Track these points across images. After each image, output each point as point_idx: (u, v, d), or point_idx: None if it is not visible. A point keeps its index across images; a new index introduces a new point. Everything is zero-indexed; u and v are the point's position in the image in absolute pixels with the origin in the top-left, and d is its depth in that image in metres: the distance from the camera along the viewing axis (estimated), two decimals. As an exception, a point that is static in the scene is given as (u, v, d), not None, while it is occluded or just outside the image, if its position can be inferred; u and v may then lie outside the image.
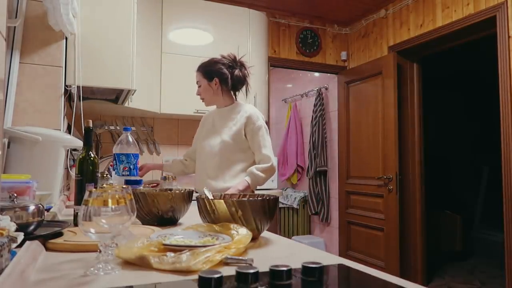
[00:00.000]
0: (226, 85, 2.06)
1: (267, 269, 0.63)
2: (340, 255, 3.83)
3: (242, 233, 0.92)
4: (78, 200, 1.15)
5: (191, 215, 1.43)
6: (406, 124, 3.68)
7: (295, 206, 4.75)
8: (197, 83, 2.12)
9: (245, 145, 2.02)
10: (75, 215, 1.19)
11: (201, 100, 2.15)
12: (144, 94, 2.84)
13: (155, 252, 0.80)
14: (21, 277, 0.63)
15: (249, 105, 2.13)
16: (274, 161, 2.02)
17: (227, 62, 2.05)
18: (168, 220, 1.30)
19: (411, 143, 3.67)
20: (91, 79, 2.22)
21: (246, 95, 2.09)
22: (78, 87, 2.12)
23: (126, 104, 2.70)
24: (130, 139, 1.58)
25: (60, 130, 1.92)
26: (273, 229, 1.74)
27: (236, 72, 2.04)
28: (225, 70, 2.04)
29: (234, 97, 2.14)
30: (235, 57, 2.07)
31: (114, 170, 1.59)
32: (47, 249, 0.91)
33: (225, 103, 2.11)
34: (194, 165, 2.23)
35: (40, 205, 0.96)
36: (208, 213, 1.06)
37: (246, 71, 2.08)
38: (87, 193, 0.73)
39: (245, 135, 2.01)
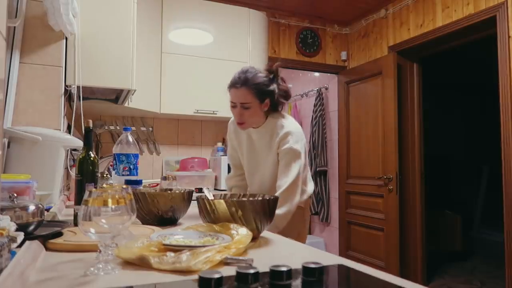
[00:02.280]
0: (274, 105, 1.72)
1: (267, 269, 0.63)
2: (340, 255, 3.83)
3: (242, 233, 0.92)
4: (78, 200, 1.15)
5: (191, 215, 1.43)
6: (406, 124, 3.68)
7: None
8: (243, 104, 1.65)
9: None
10: (75, 215, 1.19)
11: (238, 125, 1.72)
12: (144, 94, 2.84)
13: (155, 252, 0.80)
14: (21, 277, 0.63)
15: (289, 119, 1.77)
16: (297, 197, 1.62)
17: (272, 77, 1.70)
18: (168, 220, 1.30)
19: (411, 143, 3.67)
20: (91, 79, 2.22)
21: (282, 109, 1.78)
22: (78, 87, 2.12)
23: (126, 104, 2.70)
24: (130, 139, 1.58)
25: (60, 130, 1.92)
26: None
27: (281, 87, 1.72)
28: (276, 89, 1.69)
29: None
30: (277, 70, 1.72)
31: (114, 170, 1.59)
32: (47, 249, 0.91)
33: (263, 122, 1.75)
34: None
35: (40, 205, 0.96)
36: (208, 213, 1.06)
37: (286, 86, 1.75)
38: (87, 193, 0.73)
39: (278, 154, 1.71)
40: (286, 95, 1.74)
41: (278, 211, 1.49)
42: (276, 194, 1.59)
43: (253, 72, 1.67)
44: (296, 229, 1.74)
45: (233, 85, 1.67)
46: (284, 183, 1.61)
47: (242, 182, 1.95)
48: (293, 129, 1.70)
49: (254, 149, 1.79)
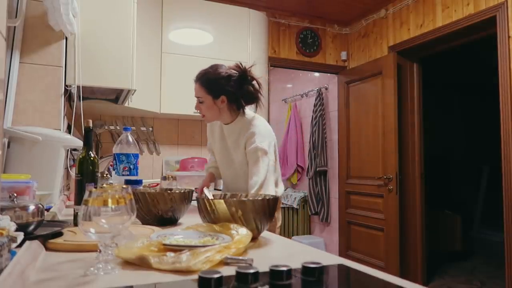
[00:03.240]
0: (234, 103, 1.74)
1: (267, 269, 0.63)
2: (340, 255, 3.83)
3: (242, 233, 0.92)
4: (78, 200, 1.15)
5: (191, 215, 1.43)
6: (406, 124, 3.68)
7: (295, 206, 4.75)
8: (197, 98, 1.76)
9: None
10: (75, 215, 1.19)
11: (201, 116, 1.82)
12: (144, 94, 2.84)
13: (155, 252, 0.80)
14: (21, 277, 0.63)
15: (258, 120, 1.79)
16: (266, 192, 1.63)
17: (236, 76, 1.71)
18: (168, 220, 1.30)
19: (411, 143, 3.67)
20: (91, 79, 2.22)
21: (256, 110, 1.81)
22: (78, 87, 2.12)
23: (126, 104, 2.70)
24: (130, 139, 1.58)
25: (60, 130, 1.92)
26: (273, 229, 1.73)
27: (248, 88, 1.73)
28: (235, 87, 1.71)
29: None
30: (245, 69, 1.72)
31: (114, 170, 1.59)
32: (47, 249, 0.91)
33: (232, 119, 1.79)
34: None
35: (40, 205, 0.96)
36: (208, 213, 1.06)
37: (258, 85, 1.75)
38: (87, 193, 0.73)
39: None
40: (252, 97, 1.75)
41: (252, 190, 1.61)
42: (251, 192, 1.61)
43: (215, 68, 1.73)
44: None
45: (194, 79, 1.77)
46: (255, 182, 1.64)
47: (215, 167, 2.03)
48: (260, 129, 1.73)
49: (226, 145, 1.84)
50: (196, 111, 1.85)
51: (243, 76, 1.72)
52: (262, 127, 1.76)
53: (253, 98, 1.76)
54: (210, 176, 1.98)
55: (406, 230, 3.59)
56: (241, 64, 1.75)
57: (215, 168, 2.02)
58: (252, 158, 1.69)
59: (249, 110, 1.83)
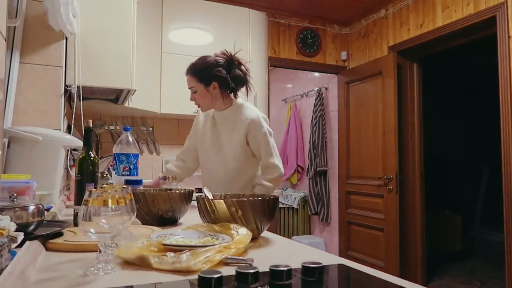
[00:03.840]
0: (226, 88, 1.85)
1: (267, 269, 0.63)
2: (340, 255, 3.83)
3: (242, 233, 0.92)
4: (78, 200, 1.15)
5: (191, 215, 1.43)
6: (406, 124, 3.68)
7: (295, 206, 4.75)
8: (190, 88, 1.87)
9: (251, 151, 1.88)
10: (75, 215, 1.19)
11: (197, 106, 1.92)
12: (144, 94, 2.84)
13: (155, 252, 0.80)
14: (21, 277, 0.63)
15: (251, 106, 1.92)
16: (282, 168, 1.88)
17: (223, 62, 1.82)
18: (168, 220, 1.30)
19: (411, 143, 3.67)
20: (91, 79, 2.22)
21: (247, 94, 1.90)
22: (78, 87, 2.12)
23: (126, 104, 2.70)
24: (130, 139, 1.58)
25: (60, 130, 1.92)
26: (273, 229, 1.74)
27: (236, 72, 1.83)
28: (224, 72, 1.81)
29: (233, 96, 1.92)
30: (231, 55, 1.83)
31: (114, 170, 1.59)
32: (47, 249, 0.91)
33: (225, 106, 1.90)
34: (192, 166, 2.11)
35: (40, 205, 0.96)
36: (208, 213, 1.06)
37: (245, 69, 1.86)
38: (87, 193, 0.73)
39: (248, 142, 1.86)
40: (240, 79, 1.85)
41: (271, 184, 1.82)
42: (266, 167, 1.85)
43: (203, 58, 1.84)
44: None
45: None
46: (272, 159, 1.85)
47: (180, 166, 2.09)
48: (258, 114, 1.88)
49: (217, 131, 1.93)
50: (196, 109, 1.94)
51: (230, 61, 1.83)
52: (258, 113, 1.89)
53: (242, 81, 1.86)
54: (156, 182, 2.00)
55: (406, 230, 3.59)
56: (227, 51, 1.85)
57: (177, 168, 2.07)
58: (264, 140, 1.84)
59: (240, 99, 1.94)
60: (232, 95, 1.90)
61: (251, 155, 1.89)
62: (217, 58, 1.83)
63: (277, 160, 1.87)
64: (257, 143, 1.85)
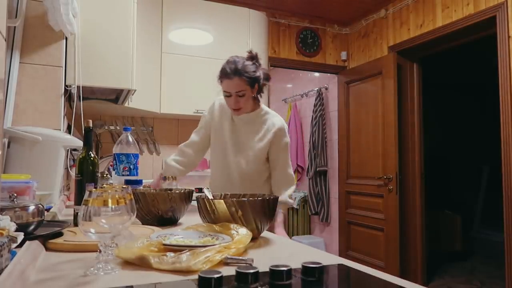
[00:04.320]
0: (260, 90, 1.83)
1: (267, 269, 0.63)
2: (340, 255, 3.83)
3: (242, 233, 0.92)
4: (78, 200, 1.15)
5: (191, 215, 1.43)
6: (406, 124, 3.68)
7: (295, 206, 4.75)
8: (238, 93, 1.75)
9: (267, 156, 1.88)
10: (75, 215, 1.19)
11: (234, 111, 1.82)
12: (144, 94, 2.84)
13: (155, 252, 0.80)
14: (21, 277, 0.63)
15: (276, 114, 1.91)
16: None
17: (258, 63, 1.81)
18: (168, 220, 1.30)
19: (411, 143, 3.67)
20: (91, 79, 2.22)
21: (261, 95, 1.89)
22: (78, 87, 2.12)
23: (126, 104, 2.70)
24: (130, 139, 1.58)
25: (60, 130, 1.92)
26: (273, 229, 1.74)
27: (265, 72, 1.82)
28: (261, 75, 1.80)
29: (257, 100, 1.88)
30: (257, 55, 1.80)
31: (114, 170, 1.59)
32: (47, 249, 0.91)
33: (251, 109, 1.87)
34: (194, 160, 2.03)
35: (40, 205, 0.96)
36: (208, 213, 1.06)
37: (266, 69, 1.86)
38: (87, 193, 0.73)
39: (269, 148, 1.85)
40: (268, 77, 1.84)
41: (291, 189, 1.88)
42: (283, 179, 1.88)
43: (240, 61, 1.77)
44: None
45: (226, 75, 1.75)
46: (290, 170, 1.91)
47: (181, 162, 2.00)
48: (284, 123, 1.90)
49: (237, 132, 1.89)
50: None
51: (259, 62, 1.81)
52: (283, 121, 1.91)
53: (269, 78, 1.85)
54: (158, 179, 1.95)
55: (406, 230, 3.59)
56: (252, 51, 1.81)
57: (176, 169, 1.98)
58: (286, 152, 1.88)
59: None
60: (257, 97, 1.88)
61: (267, 160, 1.90)
62: (250, 57, 1.79)
63: (292, 172, 1.92)
64: (278, 152, 1.86)
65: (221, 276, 0.57)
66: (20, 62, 1.85)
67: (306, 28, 4.13)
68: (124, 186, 0.77)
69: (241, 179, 1.87)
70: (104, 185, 0.82)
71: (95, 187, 0.99)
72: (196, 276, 0.62)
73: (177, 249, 0.81)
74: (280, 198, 1.79)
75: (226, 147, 1.91)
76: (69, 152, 2.18)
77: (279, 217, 1.79)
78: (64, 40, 2.03)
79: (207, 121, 1.99)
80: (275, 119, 1.88)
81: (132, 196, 0.77)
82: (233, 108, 1.80)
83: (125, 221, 0.73)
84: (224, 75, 1.76)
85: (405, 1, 3.58)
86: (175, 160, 2.00)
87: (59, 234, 0.97)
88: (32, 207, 0.92)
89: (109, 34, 2.27)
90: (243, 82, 1.74)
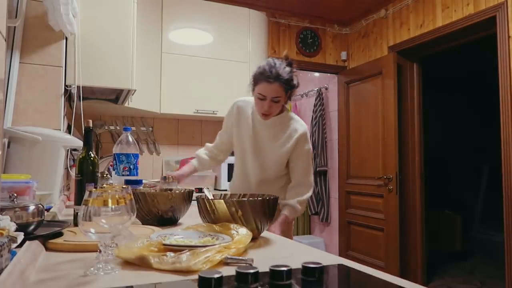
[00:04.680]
0: (290, 97, 1.83)
1: (267, 269, 0.63)
2: (340, 255, 3.83)
3: (242, 233, 0.92)
4: (78, 200, 1.15)
5: (191, 215, 1.43)
6: (406, 124, 3.68)
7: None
8: (274, 98, 1.72)
9: (287, 161, 1.87)
10: (75, 215, 1.19)
11: (263, 116, 1.78)
12: (144, 94, 2.84)
13: (155, 252, 0.80)
14: (21, 277, 0.63)
15: (299, 119, 1.89)
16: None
17: (291, 70, 1.78)
18: (168, 220, 1.30)
19: (411, 143, 3.67)
20: (91, 79, 2.22)
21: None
22: (78, 87, 2.12)
23: (126, 104, 2.70)
24: (130, 139, 1.58)
25: (60, 130, 1.92)
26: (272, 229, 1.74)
27: (298, 80, 1.80)
28: (296, 82, 1.79)
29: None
30: (293, 62, 1.79)
31: (114, 170, 1.59)
32: (47, 249, 0.91)
33: (277, 112, 1.85)
34: (222, 159, 2.06)
35: (40, 205, 0.96)
36: (208, 213, 1.06)
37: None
38: (87, 193, 0.73)
39: (290, 154, 1.84)
40: (298, 84, 1.81)
41: (301, 208, 1.81)
42: (303, 184, 1.84)
43: (281, 66, 1.73)
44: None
45: (266, 79, 1.70)
46: (311, 178, 1.87)
47: (215, 157, 2.03)
48: (307, 129, 1.87)
49: (257, 134, 1.86)
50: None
51: (292, 67, 1.77)
52: (305, 126, 1.88)
53: (298, 85, 1.83)
54: (191, 170, 1.99)
55: (406, 230, 3.59)
56: (288, 56, 1.80)
57: (209, 157, 2.02)
58: (307, 157, 1.85)
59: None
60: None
61: (287, 166, 1.88)
62: (287, 66, 1.76)
63: (312, 180, 1.89)
64: (299, 158, 1.83)
65: (221, 276, 0.57)
66: (20, 62, 1.85)
67: (306, 28, 4.13)
68: (124, 186, 0.77)
69: (258, 183, 1.86)
70: (104, 185, 0.82)
71: (95, 187, 0.99)
72: (196, 276, 0.62)
73: (177, 249, 0.81)
74: (287, 201, 1.80)
75: (245, 152, 1.89)
76: (69, 152, 2.18)
77: (280, 217, 1.77)
78: (64, 40, 2.03)
79: (228, 125, 1.97)
80: (298, 125, 1.85)
81: (132, 196, 0.77)
82: (264, 113, 1.77)
83: (125, 221, 0.73)
84: (264, 78, 1.71)
85: (405, 1, 3.58)
86: (205, 153, 2.03)
87: (59, 234, 0.97)
88: (32, 207, 0.92)
89: (109, 34, 2.27)
90: (281, 89, 1.71)
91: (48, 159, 1.66)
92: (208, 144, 2.07)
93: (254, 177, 1.88)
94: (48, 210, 1.34)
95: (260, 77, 1.72)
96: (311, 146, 1.87)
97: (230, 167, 3.22)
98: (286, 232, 1.86)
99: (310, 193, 1.86)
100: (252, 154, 1.87)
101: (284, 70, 1.72)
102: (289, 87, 1.74)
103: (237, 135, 1.92)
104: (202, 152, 2.05)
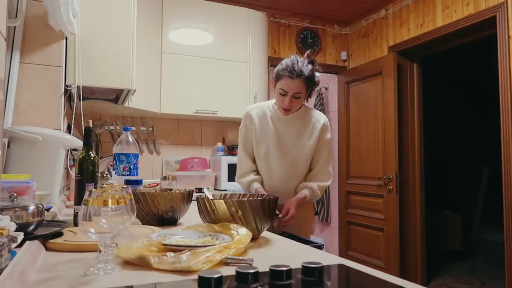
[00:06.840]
0: (310, 94, 1.86)
1: (267, 269, 0.63)
2: (340, 255, 3.83)
3: (242, 233, 0.92)
4: (78, 200, 1.15)
5: (191, 215, 1.43)
6: (406, 124, 3.68)
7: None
8: (295, 94, 1.75)
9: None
10: (75, 215, 1.19)
11: (284, 111, 1.80)
12: (144, 94, 2.84)
13: (155, 252, 0.80)
14: (21, 277, 0.63)
15: (318, 111, 1.95)
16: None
17: (313, 68, 1.81)
18: (168, 220, 1.30)
19: (411, 143, 3.67)
20: (91, 79, 2.22)
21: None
22: (78, 87, 2.12)
23: (126, 104, 2.70)
24: (130, 139, 1.58)
25: (60, 130, 1.92)
26: (274, 229, 1.74)
27: (319, 78, 1.84)
28: (318, 80, 1.84)
29: None
30: (315, 60, 1.84)
31: (114, 170, 1.59)
32: (47, 249, 0.91)
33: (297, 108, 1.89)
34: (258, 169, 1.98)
35: (40, 205, 0.96)
36: (208, 213, 1.06)
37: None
38: (87, 193, 0.73)
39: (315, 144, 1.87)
40: (319, 82, 1.87)
41: (320, 193, 1.86)
42: (322, 173, 1.89)
43: (305, 63, 1.77)
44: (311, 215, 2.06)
45: (289, 75, 1.73)
46: (330, 168, 1.92)
47: (258, 175, 1.93)
48: (326, 120, 1.93)
49: (282, 134, 1.87)
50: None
51: (314, 66, 1.81)
52: (326, 117, 1.95)
53: (318, 83, 1.88)
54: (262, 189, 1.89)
55: (406, 230, 3.59)
56: (310, 55, 1.84)
57: (256, 181, 1.90)
58: (328, 147, 1.90)
59: None
60: None
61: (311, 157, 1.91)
62: (310, 64, 1.79)
63: (331, 170, 1.93)
64: (321, 148, 1.88)
65: (221, 276, 0.57)
66: (20, 62, 1.85)
67: (306, 28, 4.13)
68: (124, 186, 0.77)
69: (285, 180, 1.87)
70: (104, 185, 0.82)
71: (95, 187, 0.99)
72: (196, 276, 0.62)
73: (177, 249, 0.81)
74: (308, 183, 1.85)
75: (269, 153, 1.88)
76: (69, 152, 2.18)
77: (299, 194, 1.81)
78: (64, 40, 2.02)
79: (248, 134, 1.93)
80: (319, 116, 1.91)
81: (132, 196, 0.77)
82: (285, 108, 1.79)
83: (125, 221, 0.73)
84: (287, 73, 1.74)
85: (405, 1, 3.58)
86: (255, 179, 1.89)
87: (59, 234, 0.97)
88: (32, 207, 0.92)
89: (109, 34, 2.27)
90: (303, 85, 1.75)
91: (48, 159, 1.66)
92: (242, 173, 1.93)
93: (281, 174, 1.87)
94: (48, 210, 1.34)
95: (283, 73, 1.76)
96: (331, 136, 1.92)
97: (230, 167, 3.23)
98: (306, 227, 1.92)
99: (330, 182, 1.91)
100: (279, 152, 1.86)
101: (306, 67, 1.76)
102: (310, 83, 1.78)
103: (258, 139, 1.89)
104: (252, 185, 1.88)
